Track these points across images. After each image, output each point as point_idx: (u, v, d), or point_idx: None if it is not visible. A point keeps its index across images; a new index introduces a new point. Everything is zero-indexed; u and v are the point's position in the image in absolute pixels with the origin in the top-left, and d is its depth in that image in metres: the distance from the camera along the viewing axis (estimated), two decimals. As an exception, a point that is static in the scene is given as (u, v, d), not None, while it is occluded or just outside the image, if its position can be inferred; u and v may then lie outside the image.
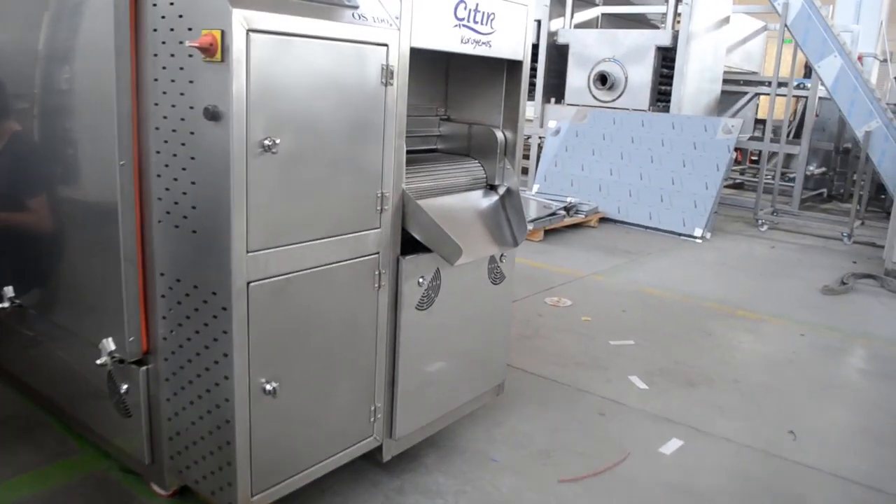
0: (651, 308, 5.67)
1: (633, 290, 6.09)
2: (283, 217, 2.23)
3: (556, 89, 10.49)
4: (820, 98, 10.32)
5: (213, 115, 2.04)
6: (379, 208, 2.55)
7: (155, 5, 2.19)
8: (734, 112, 11.97)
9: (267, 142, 2.10)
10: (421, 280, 2.77)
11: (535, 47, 10.22)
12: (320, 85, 2.26)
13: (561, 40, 10.41)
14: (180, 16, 2.11)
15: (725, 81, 10.95)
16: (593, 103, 9.97)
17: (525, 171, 10.20)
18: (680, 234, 8.30)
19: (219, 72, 2.01)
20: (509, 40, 3.00)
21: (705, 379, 4.34)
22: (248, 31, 2.01)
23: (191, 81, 2.11)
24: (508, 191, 3.24)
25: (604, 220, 8.71)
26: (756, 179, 12.47)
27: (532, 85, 10.55)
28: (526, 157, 9.85)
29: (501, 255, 3.19)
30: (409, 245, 2.73)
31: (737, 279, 6.74)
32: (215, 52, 1.99)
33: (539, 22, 10.22)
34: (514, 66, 3.13)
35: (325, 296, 2.44)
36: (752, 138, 11.41)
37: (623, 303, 5.73)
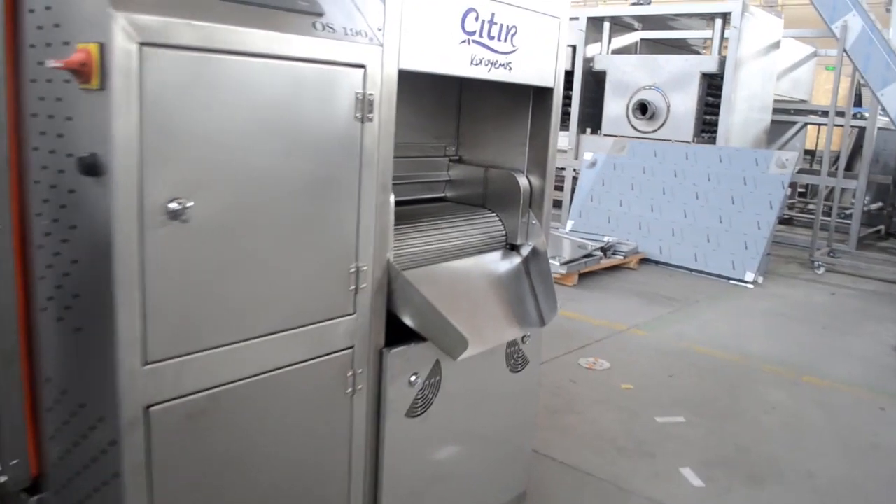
0: (702, 372, 4.91)
1: (680, 349, 5.33)
2: (202, 310, 1.56)
3: (592, 119, 9.80)
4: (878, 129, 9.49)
5: (89, 167, 1.38)
6: (353, 288, 1.87)
7: (32, 11, 1.55)
8: (783, 143, 11.16)
9: (174, 205, 1.44)
10: (413, 378, 2.08)
11: (570, 74, 9.57)
12: (264, 123, 1.60)
13: (598, 66, 9.73)
14: (56, 25, 1.48)
15: (774, 111, 10.17)
16: (632, 134, 9.26)
17: (558, 204, 9.50)
18: (729, 279, 7.51)
19: (97, 104, 1.36)
20: (536, 62, 2.33)
21: (773, 472, 3.56)
22: (141, 44, 1.35)
23: (69, 118, 1.47)
24: (534, 252, 2.54)
25: (644, 261, 7.96)
26: (807, 215, 11.64)
27: (566, 114, 9.90)
28: (559, 188, 9.14)
29: (524, 336, 2.48)
30: (397, 329, 2.05)
31: (797, 335, 5.94)
32: (90, 75, 1.33)
33: (574, 48, 9.56)
34: (543, 94, 2.46)
35: (272, 413, 1.76)
36: (801, 171, 10.58)
37: (669, 365, 4.97)
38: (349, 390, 1.93)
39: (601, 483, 3.34)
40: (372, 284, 1.92)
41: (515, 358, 2.51)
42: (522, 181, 2.51)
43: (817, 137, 14.03)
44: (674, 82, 9.06)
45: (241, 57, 1.54)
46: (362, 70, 1.77)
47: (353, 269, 1.87)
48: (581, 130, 9.80)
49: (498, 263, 2.51)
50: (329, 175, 1.76)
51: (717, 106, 8.95)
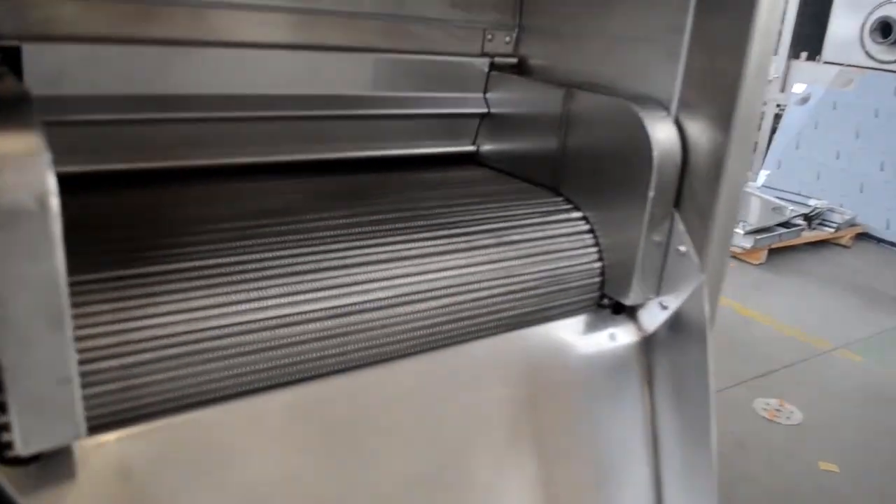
0: (959, 449, 3.07)
1: (918, 397, 3.50)
2: None
3: (810, 41, 7.74)
4: None
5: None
6: None
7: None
8: None
9: None
10: None
11: (787, -21, 7.59)
12: None
13: (826, -30, 7.65)
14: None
15: None
16: (865, 63, 7.24)
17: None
18: None
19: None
20: None
21: None
22: None
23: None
24: (676, 326, 0.92)
25: (862, 236, 6.04)
26: None
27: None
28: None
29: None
30: None
31: None
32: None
33: (794, -55, 7.60)
34: None
35: None
36: None
37: (901, 428, 3.18)
38: None
39: None
40: None
41: None
42: (660, 131, 0.90)
43: None
44: (936, -6, 6.86)
45: None
46: None
47: None
48: (794, 55, 7.75)
49: (563, 354, 0.92)
50: None
51: None
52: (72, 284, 0.66)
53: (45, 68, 0.82)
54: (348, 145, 1.05)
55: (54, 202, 0.53)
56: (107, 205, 0.82)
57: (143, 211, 0.81)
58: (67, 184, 0.87)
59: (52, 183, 0.53)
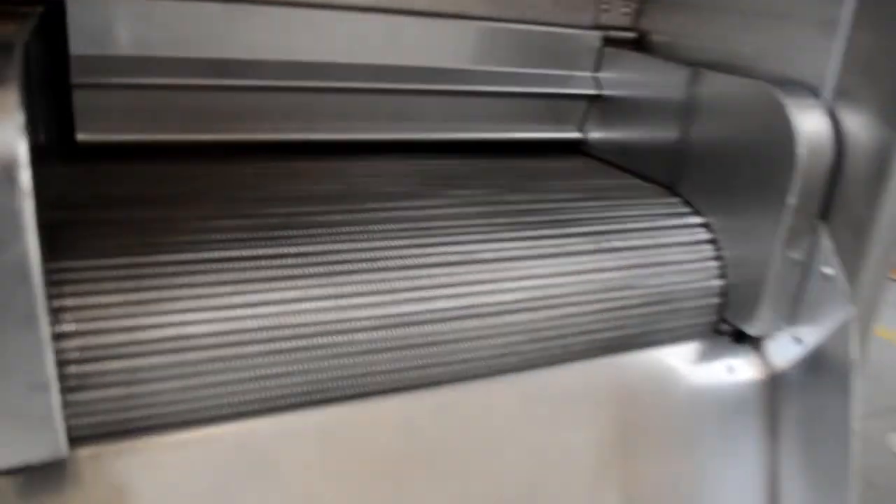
0: None
1: None
2: None
3: None
4: None
5: None
6: None
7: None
8: None
9: None
10: None
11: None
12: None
13: None
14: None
15: None
16: None
17: None
18: None
19: None
20: None
21: None
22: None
23: None
24: (815, 364, 0.74)
25: None
26: None
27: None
28: None
29: None
30: None
31: None
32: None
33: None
34: None
35: None
36: None
37: None
38: None
39: None
40: None
41: None
42: (807, 122, 0.71)
43: None
44: None
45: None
46: None
47: None
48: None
49: (668, 386, 0.75)
50: None
51: None
52: (75, 270, 0.56)
53: (91, 25, 0.74)
54: (432, 125, 0.92)
55: (24, 175, 0.42)
56: (147, 180, 0.73)
57: (183, 189, 0.71)
58: (107, 153, 0.79)
59: (22, 151, 0.42)
